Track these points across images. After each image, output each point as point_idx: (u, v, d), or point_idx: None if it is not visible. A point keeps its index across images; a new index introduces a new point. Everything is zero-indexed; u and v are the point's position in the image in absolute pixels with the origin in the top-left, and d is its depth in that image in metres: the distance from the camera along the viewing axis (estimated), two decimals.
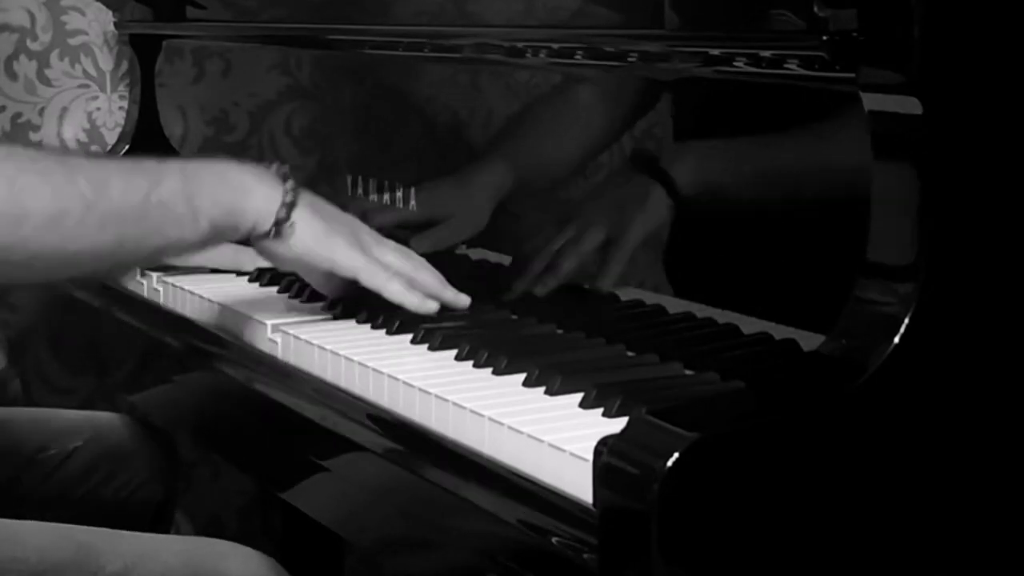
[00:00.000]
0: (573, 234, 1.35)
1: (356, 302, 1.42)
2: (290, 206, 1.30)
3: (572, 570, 0.96)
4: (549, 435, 1.02)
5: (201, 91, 2.06)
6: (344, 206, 1.41)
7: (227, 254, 1.56)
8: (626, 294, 1.31)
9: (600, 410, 1.08)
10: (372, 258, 1.35)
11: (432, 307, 1.36)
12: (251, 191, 1.29)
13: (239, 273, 1.63)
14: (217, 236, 1.29)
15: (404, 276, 1.36)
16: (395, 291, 1.34)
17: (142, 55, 2.14)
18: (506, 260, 1.48)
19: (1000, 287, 1.02)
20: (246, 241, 1.32)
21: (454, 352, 1.26)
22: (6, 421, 1.75)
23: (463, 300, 1.39)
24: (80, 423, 1.79)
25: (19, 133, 2.20)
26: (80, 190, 1.20)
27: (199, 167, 1.29)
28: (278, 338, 1.37)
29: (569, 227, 1.36)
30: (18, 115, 2.20)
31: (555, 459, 1.01)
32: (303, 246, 1.31)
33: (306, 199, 1.32)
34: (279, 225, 1.30)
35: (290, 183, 1.31)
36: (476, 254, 1.53)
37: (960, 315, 1.00)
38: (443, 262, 1.56)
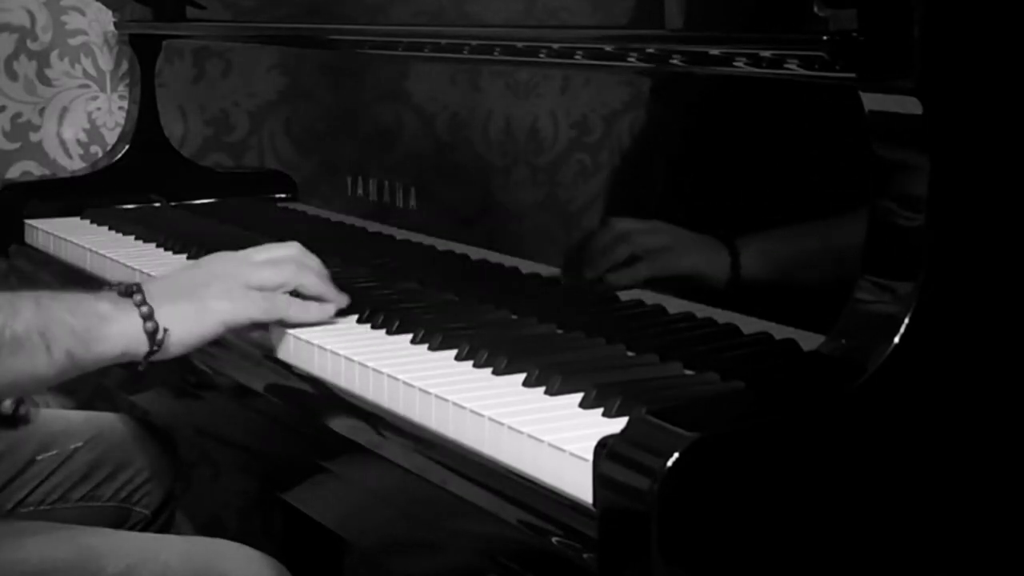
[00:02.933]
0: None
1: (356, 302, 1.42)
2: (150, 316, 1.28)
3: (572, 570, 0.96)
4: (549, 435, 1.02)
5: (201, 91, 2.06)
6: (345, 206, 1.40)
7: None
8: (626, 294, 1.31)
9: (600, 410, 1.08)
10: (253, 292, 1.32)
11: (330, 311, 1.36)
12: (109, 317, 1.28)
13: None
14: (75, 367, 1.27)
15: (290, 286, 1.34)
16: (296, 315, 1.34)
17: (142, 55, 2.15)
18: (506, 260, 1.48)
19: (1000, 287, 1.02)
20: (132, 366, 1.31)
21: (454, 352, 1.26)
22: None
23: (343, 298, 1.38)
24: (80, 424, 1.79)
25: (19, 133, 2.20)
26: None
27: (53, 299, 1.28)
28: (278, 338, 1.37)
29: (572, 225, 1.37)
30: (18, 115, 2.20)
31: (555, 459, 1.01)
32: (189, 335, 1.31)
33: (158, 295, 1.30)
34: (153, 337, 1.28)
35: (137, 296, 1.29)
36: (476, 254, 1.53)
37: (960, 315, 1.00)
38: (443, 262, 1.56)
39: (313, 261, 1.39)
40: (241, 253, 1.38)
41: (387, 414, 1.20)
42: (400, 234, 1.65)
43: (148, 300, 1.29)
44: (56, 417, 1.83)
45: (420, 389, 1.16)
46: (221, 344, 1.45)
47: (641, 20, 1.28)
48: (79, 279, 1.78)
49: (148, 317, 1.28)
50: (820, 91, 1.08)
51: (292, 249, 1.38)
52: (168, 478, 1.81)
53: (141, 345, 1.29)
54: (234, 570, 1.37)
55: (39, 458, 1.71)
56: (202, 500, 2.35)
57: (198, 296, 1.32)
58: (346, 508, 1.28)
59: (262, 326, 1.36)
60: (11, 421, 1.72)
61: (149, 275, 1.61)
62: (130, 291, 1.30)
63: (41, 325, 1.25)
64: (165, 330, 1.29)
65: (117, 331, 1.28)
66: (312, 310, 1.35)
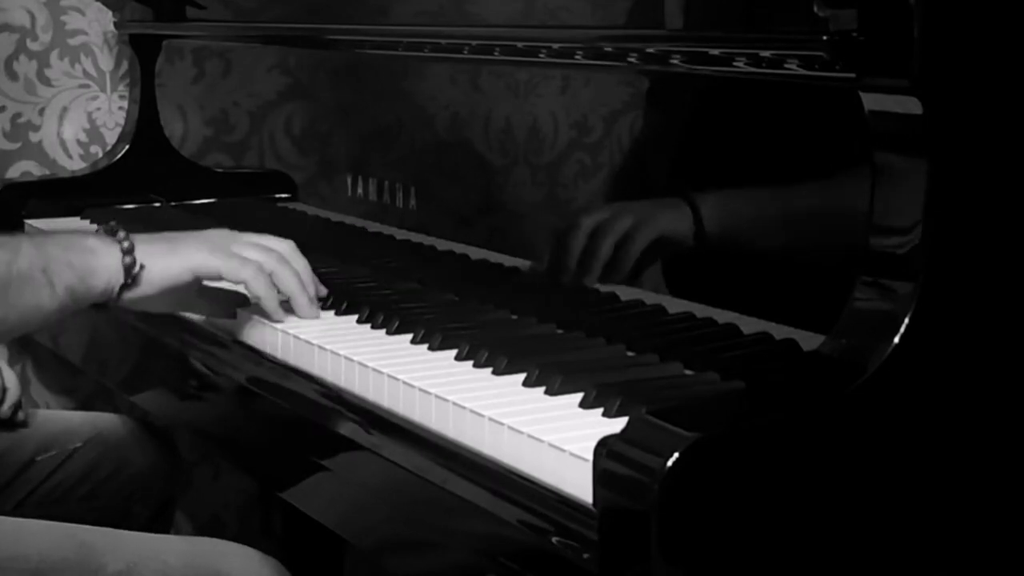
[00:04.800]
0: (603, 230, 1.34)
1: (356, 302, 1.42)
2: (130, 251, 1.33)
3: (572, 570, 0.96)
4: (549, 435, 1.02)
5: (201, 91, 2.06)
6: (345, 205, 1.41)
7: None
8: (626, 294, 1.31)
9: (600, 410, 1.08)
10: (231, 254, 1.36)
11: (283, 315, 1.38)
12: (97, 251, 1.32)
13: None
14: (73, 301, 1.32)
15: (266, 270, 1.37)
16: (257, 285, 1.36)
17: (142, 55, 2.15)
18: (506, 260, 1.48)
19: (1000, 287, 1.02)
20: (103, 306, 1.36)
21: (454, 352, 1.26)
22: None
23: (314, 311, 1.40)
24: (80, 424, 1.79)
25: (19, 133, 2.20)
26: None
27: (48, 238, 1.33)
28: (278, 338, 1.37)
29: (572, 225, 1.37)
30: (18, 115, 2.20)
31: (555, 459, 1.01)
32: (161, 274, 1.34)
33: (140, 237, 1.35)
34: (130, 270, 1.33)
35: (120, 233, 1.34)
36: (476, 254, 1.53)
37: (960, 315, 1.00)
38: (443, 262, 1.56)
39: (299, 263, 1.41)
40: (233, 231, 1.42)
41: (387, 414, 1.20)
42: (400, 234, 1.65)
43: (130, 238, 1.34)
44: (56, 418, 1.83)
45: (420, 389, 1.16)
46: (221, 344, 1.45)
47: (641, 20, 1.28)
48: None
49: (128, 252, 1.33)
50: (823, 92, 1.08)
51: (282, 244, 1.41)
52: (168, 478, 1.81)
53: (119, 278, 1.33)
54: (234, 570, 1.37)
55: (39, 458, 1.71)
56: (202, 500, 2.35)
57: (175, 242, 1.37)
58: (346, 508, 1.28)
59: (243, 302, 1.41)
60: (8, 424, 1.72)
61: None
62: (114, 230, 1.35)
63: (42, 262, 1.29)
64: (141, 266, 1.33)
65: (102, 264, 1.32)
66: (271, 298, 1.37)
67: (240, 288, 1.40)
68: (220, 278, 1.37)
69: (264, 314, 1.38)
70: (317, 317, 1.40)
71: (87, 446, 1.74)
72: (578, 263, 1.36)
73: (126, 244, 1.33)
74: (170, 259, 1.35)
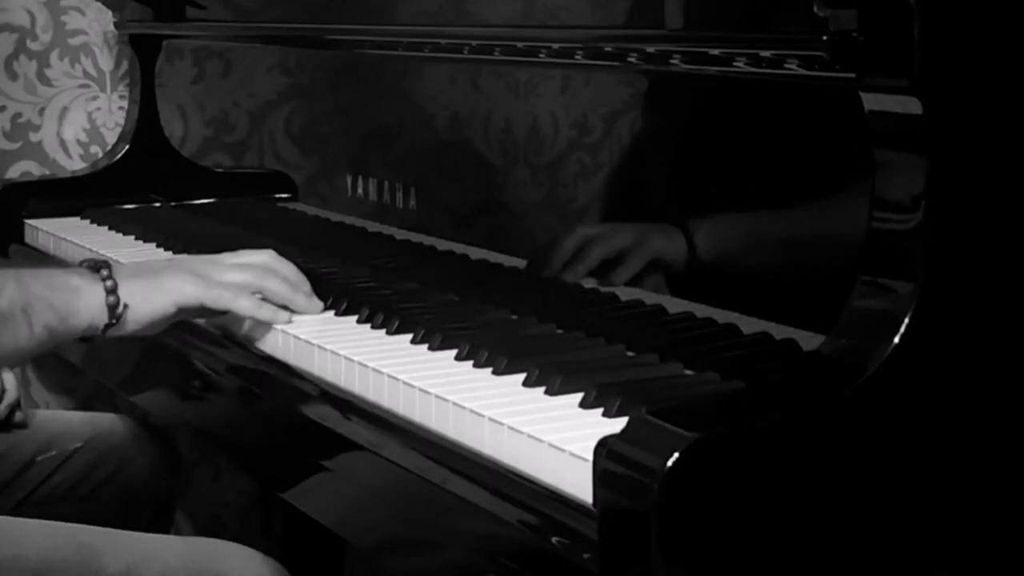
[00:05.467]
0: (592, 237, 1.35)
1: (356, 302, 1.42)
2: (113, 290, 1.33)
3: (572, 570, 0.96)
4: (549, 435, 1.02)
5: (201, 91, 2.06)
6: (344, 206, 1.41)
7: None
8: (626, 294, 1.31)
9: (600, 410, 1.08)
10: (213, 283, 1.37)
11: (283, 317, 1.38)
12: (81, 290, 1.32)
13: None
14: (52, 340, 1.33)
15: (252, 288, 1.38)
16: (244, 307, 1.37)
17: (142, 55, 2.15)
18: (506, 260, 1.48)
19: (1000, 287, 1.02)
20: (89, 340, 1.36)
21: (454, 352, 1.26)
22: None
23: (315, 305, 1.41)
24: (80, 425, 1.79)
25: (19, 133, 2.20)
26: None
27: (32, 276, 1.33)
28: (278, 338, 1.37)
29: (572, 225, 1.37)
30: (18, 115, 2.20)
31: (555, 459, 1.01)
32: (145, 311, 1.35)
33: (123, 272, 1.36)
34: (113, 310, 1.33)
35: (104, 271, 1.34)
36: (476, 254, 1.53)
37: (960, 315, 1.00)
38: (443, 262, 1.56)
39: (285, 268, 1.42)
40: (212, 256, 1.42)
41: (387, 414, 1.20)
42: (400, 234, 1.65)
43: (113, 275, 1.34)
44: (56, 418, 1.83)
45: (420, 389, 1.16)
46: (221, 344, 1.45)
47: (641, 20, 1.28)
48: None
49: (111, 291, 1.33)
50: (825, 92, 1.08)
51: (262, 256, 1.42)
52: (168, 479, 1.81)
53: (102, 318, 1.33)
54: (234, 570, 1.37)
55: (39, 459, 1.71)
56: (202, 500, 2.35)
57: (156, 276, 1.37)
58: (346, 508, 1.28)
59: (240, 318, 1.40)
60: (6, 425, 1.72)
61: None
62: (98, 267, 1.35)
63: (23, 302, 1.30)
64: (125, 305, 1.33)
65: (85, 304, 1.33)
66: (264, 311, 1.37)
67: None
68: (203, 307, 1.37)
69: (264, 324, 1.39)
70: (319, 311, 1.41)
71: (87, 446, 1.74)
72: (577, 266, 1.36)
73: (109, 283, 1.33)
74: (153, 295, 1.35)
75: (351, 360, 1.26)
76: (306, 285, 1.42)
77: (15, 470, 1.69)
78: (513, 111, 1.46)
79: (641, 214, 1.33)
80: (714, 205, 1.25)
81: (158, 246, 1.83)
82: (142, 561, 1.35)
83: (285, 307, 1.40)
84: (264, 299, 1.38)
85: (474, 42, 1.41)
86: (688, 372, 1.17)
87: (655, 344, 1.21)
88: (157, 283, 1.36)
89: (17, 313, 1.29)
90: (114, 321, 1.33)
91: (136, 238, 1.89)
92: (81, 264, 1.38)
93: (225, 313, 1.39)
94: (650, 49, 1.20)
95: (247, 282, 1.38)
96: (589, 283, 1.34)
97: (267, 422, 1.40)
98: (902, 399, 0.97)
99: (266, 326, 1.39)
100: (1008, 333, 1.02)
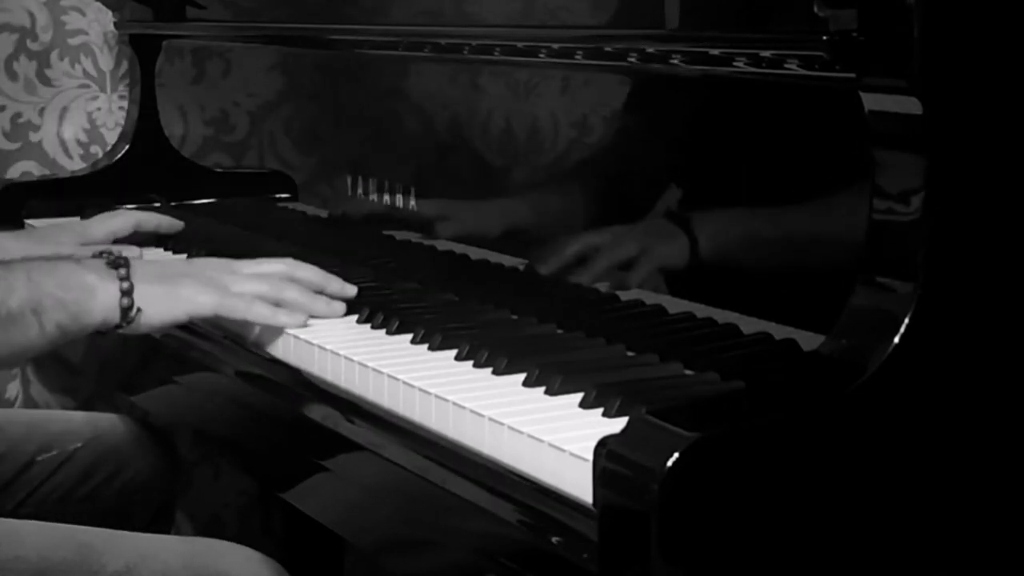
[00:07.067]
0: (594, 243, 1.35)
1: (357, 302, 1.42)
2: (129, 292, 1.33)
3: (572, 570, 0.96)
4: (549, 435, 1.02)
5: (201, 91, 2.06)
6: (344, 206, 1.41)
7: None
8: (626, 294, 1.31)
9: (600, 410, 1.08)
10: (228, 293, 1.37)
11: (299, 320, 1.38)
12: (94, 290, 1.32)
13: None
14: (64, 337, 1.33)
15: (269, 299, 1.38)
16: (259, 315, 1.37)
17: (142, 55, 2.14)
18: (507, 260, 1.48)
19: (1000, 287, 1.02)
20: (97, 334, 1.36)
21: (454, 352, 1.26)
22: (5, 423, 1.75)
23: (337, 309, 1.40)
24: (80, 425, 1.79)
25: (19, 133, 2.20)
26: None
27: (45, 274, 1.32)
28: (278, 338, 1.37)
29: (572, 225, 1.37)
30: (18, 115, 2.20)
31: (555, 459, 1.01)
32: (158, 317, 1.35)
33: (140, 274, 1.35)
34: (126, 313, 1.33)
35: (121, 270, 1.34)
36: (476, 254, 1.53)
37: (960, 315, 1.00)
38: (443, 262, 1.56)
39: (306, 272, 1.42)
40: (232, 261, 1.42)
41: (387, 414, 1.20)
42: (400, 234, 1.65)
43: (131, 276, 1.34)
44: (56, 418, 1.83)
45: (420, 389, 1.16)
46: (221, 344, 1.45)
47: (641, 20, 1.28)
48: None
49: (127, 293, 1.33)
50: (824, 92, 1.08)
51: (280, 265, 1.42)
52: (168, 479, 1.80)
53: (115, 318, 1.33)
54: (233, 570, 1.37)
55: (39, 459, 1.71)
56: (202, 500, 2.35)
57: (174, 283, 1.36)
58: (346, 508, 1.28)
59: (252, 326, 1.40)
60: None
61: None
62: (117, 264, 1.35)
63: (34, 301, 1.30)
64: (138, 309, 1.33)
65: (98, 303, 1.32)
66: (280, 316, 1.37)
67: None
68: (218, 317, 1.37)
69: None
70: (341, 313, 1.41)
71: (87, 447, 1.74)
72: (578, 267, 1.36)
73: (126, 285, 1.33)
74: (167, 303, 1.35)
75: (351, 360, 1.26)
76: (334, 283, 1.42)
77: (15, 470, 1.69)
78: (513, 111, 1.46)
79: (641, 214, 1.32)
80: (715, 205, 1.24)
81: (158, 246, 1.82)
82: (142, 561, 1.35)
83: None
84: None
85: (474, 42, 1.41)
86: (688, 372, 1.17)
87: (655, 344, 1.21)
88: (174, 292, 1.35)
89: (27, 313, 1.29)
90: (125, 324, 1.33)
91: None
92: (100, 255, 1.37)
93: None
94: (650, 49, 1.20)
95: (263, 293, 1.38)
96: (589, 283, 1.34)
97: (267, 422, 1.40)
98: (902, 399, 0.97)
99: (265, 326, 1.39)
100: (1008, 333, 1.02)
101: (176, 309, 1.36)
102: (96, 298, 1.32)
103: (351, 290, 1.42)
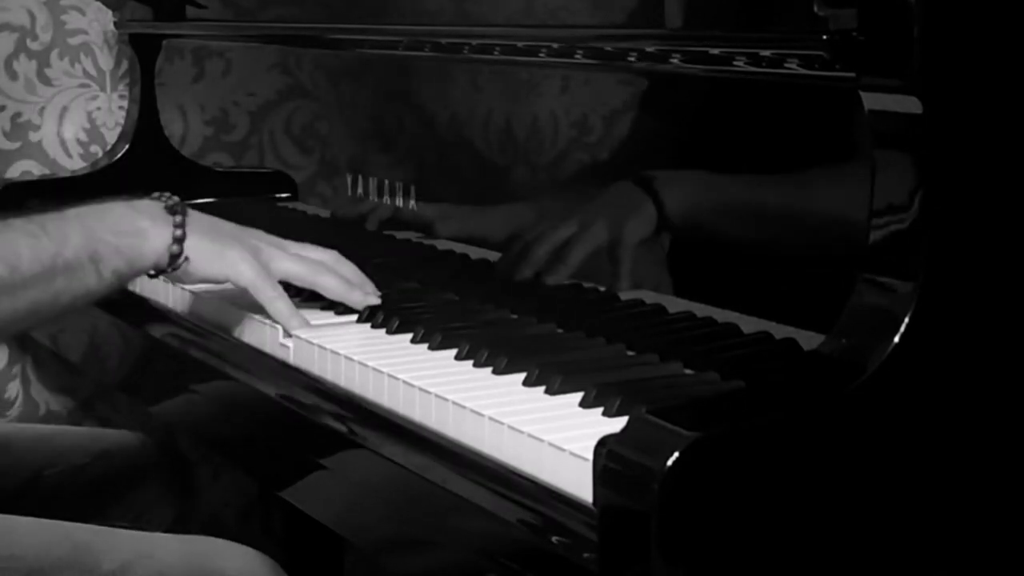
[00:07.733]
0: (576, 231, 1.36)
1: None
2: (181, 240, 1.36)
3: (572, 570, 0.96)
4: (549, 435, 1.02)
5: (201, 91, 2.06)
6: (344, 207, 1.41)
7: None
8: (626, 294, 1.31)
9: (600, 410, 1.08)
10: (264, 272, 1.38)
11: (297, 322, 1.38)
12: (147, 234, 1.35)
13: None
14: (120, 282, 1.36)
15: (307, 284, 1.41)
16: (277, 311, 1.38)
17: (142, 55, 2.14)
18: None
19: (1000, 287, 1.02)
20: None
21: (454, 352, 1.26)
22: (9, 438, 1.75)
23: (372, 299, 1.42)
24: (89, 441, 1.78)
25: (19, 133, 2.20)
26: None
27: (98, 220, 1.34)
28: (279, 338, 1.37)
29: (571, 224, 1.37)
30: (18, 115, 2.20)
31: (555, 459, 1.01)
32: (200, 272, 1.38)
33: (195, 226, 1.38)
34: (174, 259, 1.36)
35: (178, 217, 1.36)
36: (476, 254, 1.53)
37: (960, 315, 1.00)
38: (443, 262, 1.56)
39: (346, 268, 1.44)
40: (280, 239, 1.44)
41: (387, 413, 1.20)
42: (400, 234, 1.65)
43: (185, 225, 1.36)
44: (64, 433, 1.83)
45: (420, 388, 1.16)
46: (221, 343, 1.45)
47: (641, 20, 1.28)
48: None
49: (178, 240, 1.36)
50: (823, 91, 1.08)
51: (324, 254, 1.44)
52: (180, 500, 1.80)
53: (163, 263, 1.36)
54: (232, 569, 1.37)
55: (46, 473, 1.70)
56: (202, 500, 2.35)
57: (223, 243, 1.39)
58: (346, 507, 1.28)
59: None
60: None
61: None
62: (175, 211, 1.37)
63: (90, 249, 1.32)
64: (186, 258, 1.36)
65: (150, 247, 1.35)
66: (293, 320, 1.38)
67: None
68: (246, 291, 1.39)
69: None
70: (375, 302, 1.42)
71: (94, 464, 1.73)
72: (577, 268, 1.36)
73: (179, 232, 1.36)
74: (213, 261, 1.38)
75: (351, 360, 1.26)
76: (368, 287, 1.43)
77: (19, 487, 1.68)
78: (513, 111, 1.46)
79: (642, 214, 1.32)
80: (715, 205, 1.24)
81: None
82: (138, 559, 1.35)
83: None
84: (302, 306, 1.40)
85: (474, 42, 1.41)
86: (688, 372, 1.17)
87: (655, 344, 1.21)
88: (221, 252, 1.38)
89: (85, 262, 1.31)
90: (170, 269, 1.36)
91: None
92: (159, 197, 1.39)
93: None
94: (650, 49, 1.20)
95: (301, 277, 1.41)
96: (589, 283, 1.34)
97: (267, 422, 1.40)
98: (902, 399, 0.97)
99: (265, 326, 1.39)
100: (1008, 332, 1.02)
101: (219, 270, 1.38)
102: (149, 242, 1.34)
103: (374, 299, 1.43)
